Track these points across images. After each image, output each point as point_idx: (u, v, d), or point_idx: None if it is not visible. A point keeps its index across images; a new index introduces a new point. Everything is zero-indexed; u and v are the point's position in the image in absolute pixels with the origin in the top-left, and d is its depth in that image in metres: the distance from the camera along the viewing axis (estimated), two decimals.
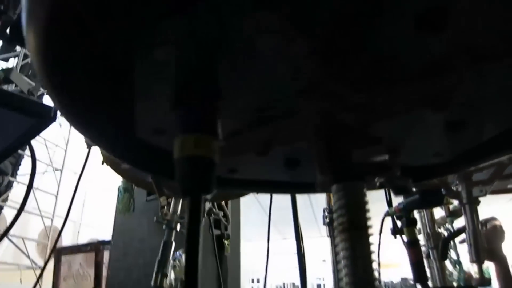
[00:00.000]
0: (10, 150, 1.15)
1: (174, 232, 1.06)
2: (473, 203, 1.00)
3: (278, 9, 0.25)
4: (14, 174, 4.33)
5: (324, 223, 1.71)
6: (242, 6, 0.25)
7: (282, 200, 1.34)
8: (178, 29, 0.27)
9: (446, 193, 1.03)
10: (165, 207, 1.06)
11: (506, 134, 0.46)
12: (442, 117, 0.42)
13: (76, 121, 0.38)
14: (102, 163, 1.13)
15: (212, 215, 1.43)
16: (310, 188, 0.50)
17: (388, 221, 1.32)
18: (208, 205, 1.42)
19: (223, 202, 2.06)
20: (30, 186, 1.24)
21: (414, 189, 1.13)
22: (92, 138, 0.41)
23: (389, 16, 0.27)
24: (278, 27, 0.27)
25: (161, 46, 0.28)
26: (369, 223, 0.35)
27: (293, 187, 0.62)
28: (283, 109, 0.37)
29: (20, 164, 4.22)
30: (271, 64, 0.30)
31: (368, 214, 0.36)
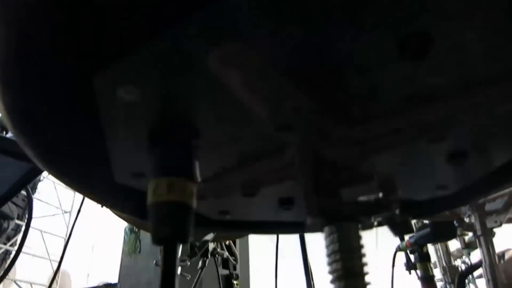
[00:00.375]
0: (9, 195, 1.14)
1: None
2: (488, 235, 0.95)
3: (252, 43, 0.23)
4: (23, 217, 4.31)
5: None
6: (212, 39, 0.23)
7: None
8: (144, 66, 0.25)
9: (458, 225, 0.98)
10: None
11: None
12: (442, 148, 0.39)
13: (50, 167, 0.36)
14: (102, 206, 1.11)
15: (217, 255, 1.39)
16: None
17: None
18: (212, 245, 1.38)
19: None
20: (26, 229, 1.21)
21: (425, 222, 1.08)
22: (69, 184, 0.39)
23: (371, 42, 0.25)
24: (253, 62, 0.25)
25: (126, 85, 0.26)
26: (366, 268, 0.31)
27: (292, 227, 0.58)
28: (265, 146, 0.34)
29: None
30: (249, 101, 0.28)
31: (367, 258, 0.33)
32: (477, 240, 0.97)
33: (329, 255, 0.32)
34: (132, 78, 0.26)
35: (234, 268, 2.20)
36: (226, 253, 1.60)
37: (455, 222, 0.98)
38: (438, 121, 0.31)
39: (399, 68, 0.26)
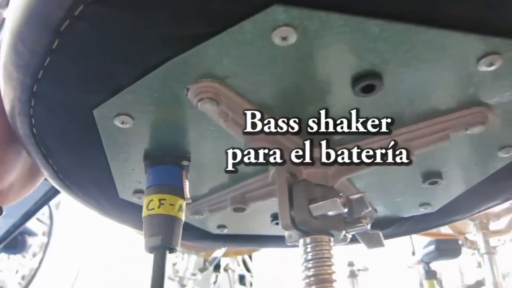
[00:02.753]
0: (33, 211, 1.21)
1: None
2: (492, 253, 0.96)
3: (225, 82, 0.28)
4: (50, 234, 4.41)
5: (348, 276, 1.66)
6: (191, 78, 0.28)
7: None
8: (136, 100, 0.30)
9: (462, 243, 0.99)
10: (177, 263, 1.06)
11: (491, 181, 0.45)
12: (416, 169, 0.42)
13: (62, 187, 0.41)
14: None
15: (229, 270, 1.42)
16: None
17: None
18: (226, 260, 1.42)
19: (246, 257, 2.04)
20: (46, 245, 1.27)
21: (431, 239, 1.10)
22: (80, 201, 0.44)
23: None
24: (226, 96, 0.30)
25: (122, 116, 0.31)
26: (334, 276, 0.35)
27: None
28: (250, 168, 0.39)
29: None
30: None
31: (335, 267, 0.36)
32: (481, 259, 0.98)
33: (302, 264, 0.36)
34: (127, 109, 0.30)
35: (251, 284, 2.20)
36: (241, 269, 1.63)
37: (459, 240, 0.99)
38: (402, 146, 0.35)
39: (355, 100, 0.30)
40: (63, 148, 0.36)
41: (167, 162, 0.36)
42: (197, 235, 0.56)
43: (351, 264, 1.64)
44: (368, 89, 0.29)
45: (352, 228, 0.37)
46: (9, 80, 0.29)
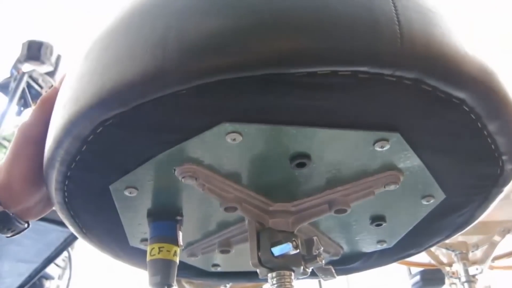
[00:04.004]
0: (53, 256, 1.33)
1: None
2: (472, 281, 1.04)
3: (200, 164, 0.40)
4: (62, 277, 4.49)
5: None
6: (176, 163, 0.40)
7: None
8: (139, 177, 0.42)
9: (445, 272, 1.08)
10: None
11: (429, 222, 0.56)
12: (364, 213, 0.53)
13: (85, 239, 0.53)
14: None
15: None
16: None
17: None
18: None
19: None
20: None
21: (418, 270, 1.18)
22: (99, 249, 0.56)
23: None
24: (202, 174, 0.42)
25: (129, 188, 0.43)
26: None
27: None
28: (231, 218, 0.50)
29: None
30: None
31: None
32: (462, 286, 1.06)
33: None
34: (133, 184, 0.43)
35: None
36: None
37: (444, 269, 1.08)
38: (338, 200, 0.46)
39: (296, 171, 0.42)
40: (87, 211, 0.48)
41: (164, 218, 0.47)
42: (195, 273, 0.67)
43: None
44: (301, 165, 0.40)
45: (310, 264, 0.48)
46: (51, 168, 0.41)
